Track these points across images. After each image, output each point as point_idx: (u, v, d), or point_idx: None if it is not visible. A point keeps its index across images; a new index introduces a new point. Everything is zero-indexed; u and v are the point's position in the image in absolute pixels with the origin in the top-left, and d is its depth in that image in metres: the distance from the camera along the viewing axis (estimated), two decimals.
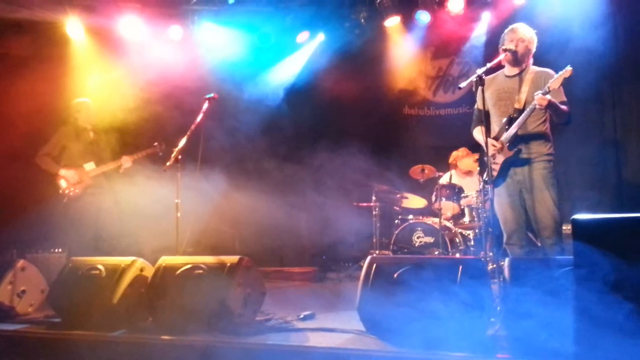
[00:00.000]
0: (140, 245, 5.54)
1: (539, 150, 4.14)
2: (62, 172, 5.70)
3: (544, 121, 4.18)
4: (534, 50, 4.26)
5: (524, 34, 4.20)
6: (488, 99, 4.32)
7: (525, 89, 4.14)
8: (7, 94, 6.49)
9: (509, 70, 4.31)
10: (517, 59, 4.20)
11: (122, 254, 4.36)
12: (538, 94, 3.91)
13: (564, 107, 4.05)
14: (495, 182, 4.22)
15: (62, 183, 5.71)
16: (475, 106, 4.48)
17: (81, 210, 5.71)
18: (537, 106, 3.91)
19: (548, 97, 3.89)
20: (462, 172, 6.81)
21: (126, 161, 5.87)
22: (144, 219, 5.69)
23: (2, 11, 6.40)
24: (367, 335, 3.38)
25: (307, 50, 8.05)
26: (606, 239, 2.48)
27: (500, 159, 4.18)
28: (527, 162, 4.13)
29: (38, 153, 5.77)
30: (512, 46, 4.16)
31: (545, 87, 3.92)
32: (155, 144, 5.91)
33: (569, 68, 3.91)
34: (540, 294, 2.90)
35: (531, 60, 4.27)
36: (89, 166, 5.80)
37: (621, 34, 6.52)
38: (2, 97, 6.52)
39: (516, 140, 4.14)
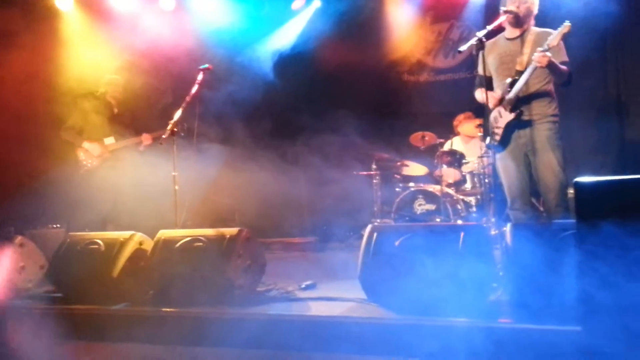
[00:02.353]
0: (140, 219, 5.52)
1: (542, 111, 4.06)
2: (86, 144, 5.77)
3: (548, 81, 4.09)
4: (535, 11, 4.15)
5: None
6: (490, 63, 4.24)
7: (527, 50, 4.05)
8: None
9: (509, 32, 4.21)
10: (518, 21, 4.10)
11: (126, 229, 4.34)
12: (538, 52, 3.82)
13: (563, 67, 3.96)
14: (499, 146, 4.16)
15: (81, 155, 5.77)
16: (476, 71, 4.40)
17: (95, 183, 5.73)
18: (537, 64, 3.83)
19: (548, 54, 3.81)
20: (464, 136, 6.74)
21: (146, 139, 5.87)
22: (143, 193, 5.65)
23: None
24: (369, 303, 3.37)
25: (303, 17, 7.89)
26: (609, 202, 2.45)
27: (502, 122, 4.11)
28: (530, 123, 4.06)
29: (63, 126, 5.85)
30: (513, 7, 4.05)
31: (545, 44, 3.84)
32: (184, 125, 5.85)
33: (567, 23, 3.83)
34: (543, 258, 2.88)
35: (533, 22, 4.17)
36: (109, 140, 5.84)
37: None
38: None
39: (519, 101, 4.06)
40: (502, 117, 4.12)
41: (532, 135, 4.05)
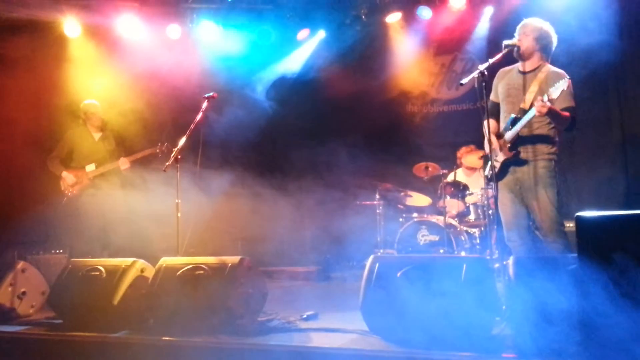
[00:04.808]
0: (140, 246, 5.52)
1: (540, 150, 4.02)
2: (64, 174, 5.81)
3: (552, 125, 4.02)
4: (544, 43, 4.06)
5: (529, 27, 4.06)
6: (500, 92, 4.23)
7: (533, 89, 3.99)
8: (5, 95, 6.47)
9: (522, 65, 4.16)
10: (521, 54, 4.09)
11: (123, 255, 4.33)
12: (538, 101, 3.74)
13: (565, 113, 3.87)
14: (497, 179, 4.14)
15: (62, 184, 5.81)
16: (480, 102, 4.39)
17: (80, 211, 5.78)
18: (537, 113, 3.77)
19: (548, 104, 3.71)
20: (467, 168, 6.75)
21: (124, 163, 5.86)
22: (145, 220, 5.66)
23: None
24: (371, 335, 3.34)
25: (308, 47, 8.01)
26: (610, 236, 2.45)
27: (500, 157, 4.11)
28: (527, 162, 4.03)
29: (50, 155, 5.89)
30: (514, 41, 4.06)
31: (545, 95, 3.76)
32: (159, 145, 5.84)
33: (567, 80, 3.76)
34: (546, 292, 2.85)
35: (546, 57, 4.09)
36: (90, 167, 5.86)
37: (626, 31, 6.45)
38: (0, 98, 6.49)
39: (518, 141, 4.03)
40: (500, 153, 4.11)
41: (528, 172, 4.01)
